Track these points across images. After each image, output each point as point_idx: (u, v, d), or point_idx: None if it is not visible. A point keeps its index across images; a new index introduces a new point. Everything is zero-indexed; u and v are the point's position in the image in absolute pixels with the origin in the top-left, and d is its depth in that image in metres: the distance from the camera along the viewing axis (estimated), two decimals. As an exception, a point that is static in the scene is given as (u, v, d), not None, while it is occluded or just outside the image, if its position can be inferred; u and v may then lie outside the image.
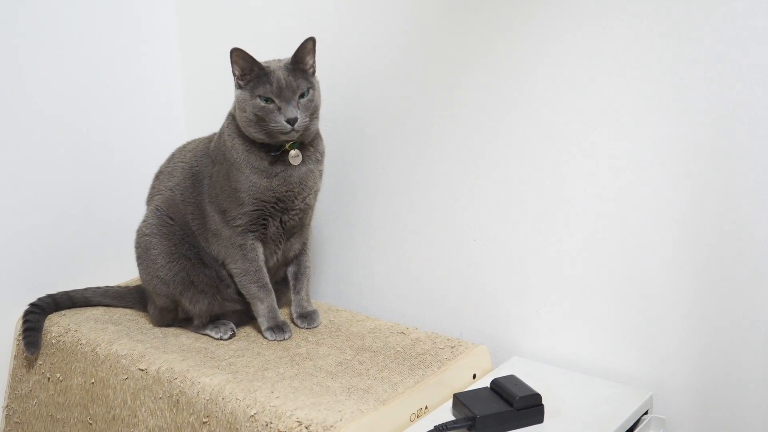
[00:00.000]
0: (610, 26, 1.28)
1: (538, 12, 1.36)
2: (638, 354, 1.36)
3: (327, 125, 1.54)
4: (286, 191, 1.46)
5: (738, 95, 1.18)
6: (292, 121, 1.39)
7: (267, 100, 1.40)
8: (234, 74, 1.43)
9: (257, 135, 1.42)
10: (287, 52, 1.45)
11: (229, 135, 1.48)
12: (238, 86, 1.44)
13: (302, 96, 1.42)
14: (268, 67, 1.42)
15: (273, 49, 1.51)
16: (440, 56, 1.51)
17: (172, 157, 1.62)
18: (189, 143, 1.63)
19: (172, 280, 1.51)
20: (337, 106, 1.65)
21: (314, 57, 1.46)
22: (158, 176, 1.62)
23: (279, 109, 1.40)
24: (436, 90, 1.53)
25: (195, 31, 1.95)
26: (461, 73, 1.48)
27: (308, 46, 1.43)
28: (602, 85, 1.31)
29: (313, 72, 1.46)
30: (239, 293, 1.53)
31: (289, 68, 1.42)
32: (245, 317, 1.57)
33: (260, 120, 1.40)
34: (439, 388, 1.33)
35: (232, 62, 1.42)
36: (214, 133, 1.56)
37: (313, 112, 1.44)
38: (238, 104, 1.44)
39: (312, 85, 1.44)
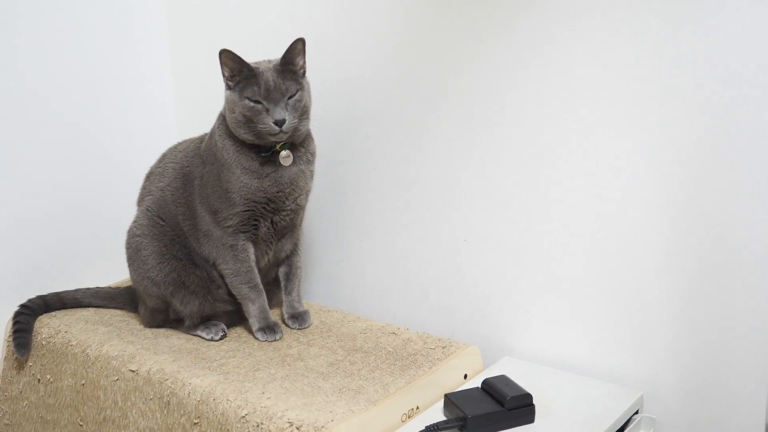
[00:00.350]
0: (608, 26, 1.28)
1: (534, 11, 1.35)
2: (629, 354, 1.37)
3: (317, 125, 1.54)
4: (277, 192, 1.46)
5: (737, 95, 1.18)
6: (279, 123, 1.39)
7: (255, 101, 1.39)
8: (223, 75, 1.43)
9: (246, 136, 1.42)
10: (280, 53, 1.44)
11: (219, 135, 1.48)
12: (228, 87, 1.44)
13: (291, 97, 1.41)
14: (257, 68, 1.42)
15: (266, 50, 1.51)
16: (433, 55, 1.50)
17: (163, 158, 1.62)
18: (180, 143, 1.63)
19: (162, 281, 1.51)
20: (329, 106, 1.65)
21: (304, 58, 1.45)
22: (149, 177, 1.62)
23: (267, 110, 1.39)
24: (428, 90, 1.53)
25: (185, 32, 1.94)
26: (455, 72, 1.48)
27: (298, 47, 1.43)
28: (600, 86, 1.31)
29: (303, 73, 1.46)
30: (230, 294, 1.53)
31: (278, 69, 1.42)
32: (236, 318, 1.57)
33: (249, 121, 1.40)
34: (430, 389, 1.33)
35: (221, 63, 1.41)
36: (205, 134, 1.56)
37: (302, 113, 1.44)
38: (228, 105, 1.43)
39: (301, 86, 1.43)
